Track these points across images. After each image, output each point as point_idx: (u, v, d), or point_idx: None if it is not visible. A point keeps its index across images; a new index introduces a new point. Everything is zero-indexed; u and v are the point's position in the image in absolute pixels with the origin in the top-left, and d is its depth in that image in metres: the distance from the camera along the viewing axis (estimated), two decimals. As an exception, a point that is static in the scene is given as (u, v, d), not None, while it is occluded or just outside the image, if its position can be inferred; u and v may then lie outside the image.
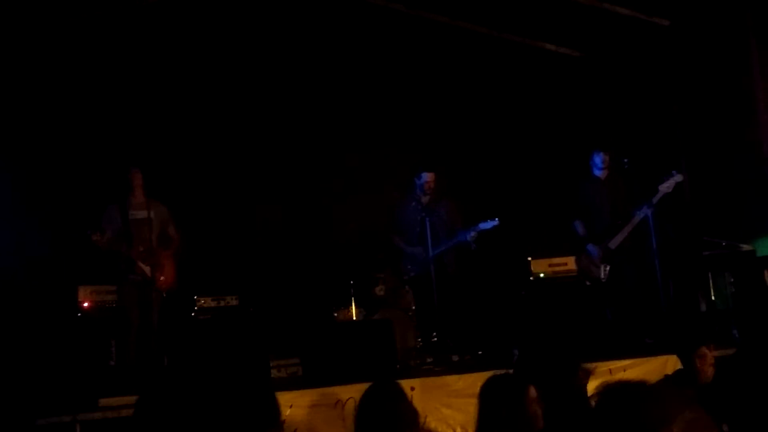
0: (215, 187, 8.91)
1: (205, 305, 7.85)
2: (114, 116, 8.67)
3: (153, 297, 7.17)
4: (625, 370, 6.50)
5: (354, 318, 8.04)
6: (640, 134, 9.21)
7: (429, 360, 7.44)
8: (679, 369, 5.44)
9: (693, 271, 8.32)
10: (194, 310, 7.80)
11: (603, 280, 7.76)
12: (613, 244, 7.78)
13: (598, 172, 8.07)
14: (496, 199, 8.98)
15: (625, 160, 7.75)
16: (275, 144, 9.26)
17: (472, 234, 7.81)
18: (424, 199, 8.12)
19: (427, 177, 8.13)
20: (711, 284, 8.07)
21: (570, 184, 8.25)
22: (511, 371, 4.22)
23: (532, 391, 3.70)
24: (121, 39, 8.63)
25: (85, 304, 7.72)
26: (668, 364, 6.42)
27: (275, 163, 9.23)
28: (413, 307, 8.04)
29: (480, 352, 7.87)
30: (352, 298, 8.09)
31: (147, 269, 7.17)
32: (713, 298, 8.09)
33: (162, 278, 7.27)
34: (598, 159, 8.01)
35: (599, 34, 9.47)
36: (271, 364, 7.35)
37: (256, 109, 9.30)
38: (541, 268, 8.37)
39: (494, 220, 7.76)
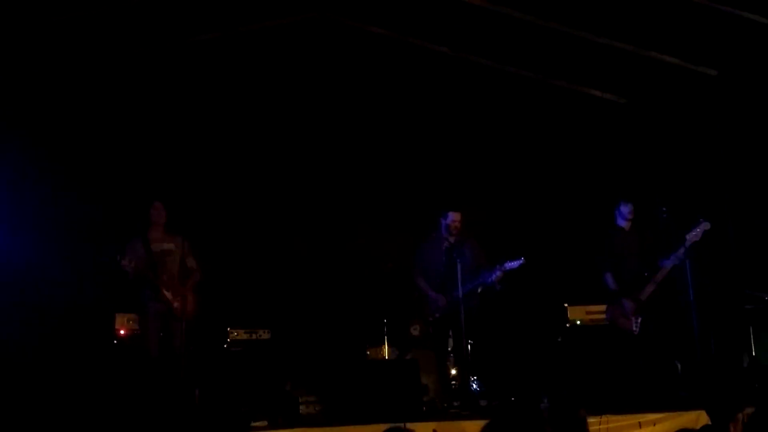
0: (253, 221, 9.01)
1: (237, 337, 7.95)
2: (147, 149, 8.85)
3: (175, 327, 7.24)
4: (654, 424, 6.38)
5: (386, 357, 8.04)
6: (683, 183, 9.08)
7: (456, 404, 7.39)
8: (708, 425, 5.32)
9: (735, 324, 8.15)
10: (227, 342, 7.89)
11: (635, 332, 7.58)
12: (644, 295, 7.56)
13: (622, 222, 7.89)
14: (535, 244, 8.85)
15: (664, 209, 7.60)
16: (312, 182, 9.36)
17: (498, 274, 7.57)
18: (450, 240, 7.92)
19: (454, 217, 7.92)
20: (752, 339, 7.90)
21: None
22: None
23: None
24: (148, 75, 8.80)
25: (122, 332, 7.88)
26: (700, 419, 6.26)
27: (312, 200, 9.33)
28: (448, 349, 7.96)
29: (513, 399, 7.79)
30: (385, 337, 8.10)
31: (171, 297, 7.28)
32: (754, 353, 7.91)
33: (184, 308, 7.28)
34: (626, 209, 7.84)
35: (645, 82, 9.41)
36: (300, 400, 7.38)
37: (290, 143, 9.38)
38: (578, 315, 8.31)
39: (520, 259, 7.54)
